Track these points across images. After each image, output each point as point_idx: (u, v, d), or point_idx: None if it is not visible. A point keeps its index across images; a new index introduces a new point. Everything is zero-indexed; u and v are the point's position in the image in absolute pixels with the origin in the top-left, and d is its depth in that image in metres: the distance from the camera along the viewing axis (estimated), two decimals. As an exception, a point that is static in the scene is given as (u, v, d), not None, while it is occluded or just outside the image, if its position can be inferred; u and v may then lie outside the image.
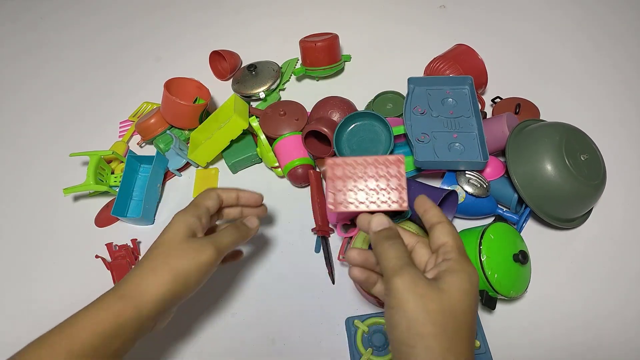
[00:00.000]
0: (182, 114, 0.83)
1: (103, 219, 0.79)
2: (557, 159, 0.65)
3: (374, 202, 0.46)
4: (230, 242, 0.51)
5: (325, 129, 0.73)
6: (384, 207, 0.46)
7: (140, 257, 0.74)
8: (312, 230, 0.72)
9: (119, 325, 0.42)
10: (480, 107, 0.77)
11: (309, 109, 0.84)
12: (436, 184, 0.75)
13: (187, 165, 0.84)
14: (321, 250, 0.71)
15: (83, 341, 0.41)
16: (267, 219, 0.76)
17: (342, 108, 0.80)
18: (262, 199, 0.59)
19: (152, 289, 0.44)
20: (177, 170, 0.83)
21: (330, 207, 0.46)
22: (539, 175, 0.66)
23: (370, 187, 0.47)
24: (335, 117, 0.78)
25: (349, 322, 0.62)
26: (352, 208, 0.46)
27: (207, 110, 0.87)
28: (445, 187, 0.70)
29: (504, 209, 0.72)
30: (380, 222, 0.42)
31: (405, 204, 0.46)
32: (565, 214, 0.68)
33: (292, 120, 0.81)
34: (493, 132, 0.73)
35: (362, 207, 0.46)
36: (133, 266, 0.52)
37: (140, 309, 0.43)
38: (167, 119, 0.84)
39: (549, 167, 0.65)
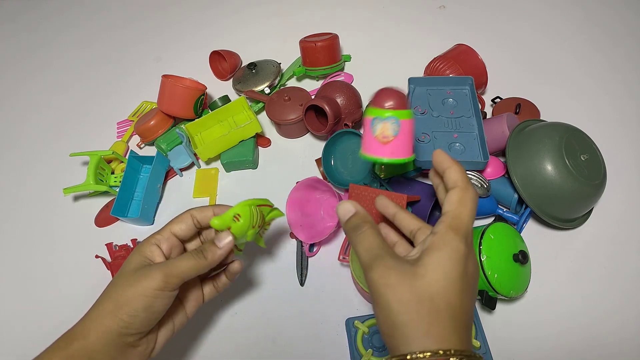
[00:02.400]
0: (178, 97, 0.83)
1: (103, 219, 0.79)
2: (557, 159, 0.65)
3: None
4: (188, 267, 0.45)
5: (327, 107, 0.74)
6: None
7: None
8: (290, 235, 0.73)
9: None
10: (480, 107, 0.77)
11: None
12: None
13: (190, 165, 0.85)
14: (300, 253, 0.71)
15: None
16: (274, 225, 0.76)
17: (347, 94, 0.81)
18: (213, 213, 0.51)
19: (95, 324, 0.43)
20: (180, 169, 0.83)
21: None
22: (539, 176, 0.66)
23: None
24: (339, 100, 0.80)
25: (349, 323, 0.62)
26: None
27: (202, 99, 0.87)
28: None
29: (504, 209, 0.72)
30: (345, 210, 0.40)
31: None
32: (566, 214, 0.68)
33: (296, 105, 0.83)
34: (493, 132, 0.73)
35: None
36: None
37: (87, 347, 0.42)
38: (163, 107, 0.84)
39: (549, 168, 0.65)
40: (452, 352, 0.32)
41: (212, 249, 0.47)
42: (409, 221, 0.42)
